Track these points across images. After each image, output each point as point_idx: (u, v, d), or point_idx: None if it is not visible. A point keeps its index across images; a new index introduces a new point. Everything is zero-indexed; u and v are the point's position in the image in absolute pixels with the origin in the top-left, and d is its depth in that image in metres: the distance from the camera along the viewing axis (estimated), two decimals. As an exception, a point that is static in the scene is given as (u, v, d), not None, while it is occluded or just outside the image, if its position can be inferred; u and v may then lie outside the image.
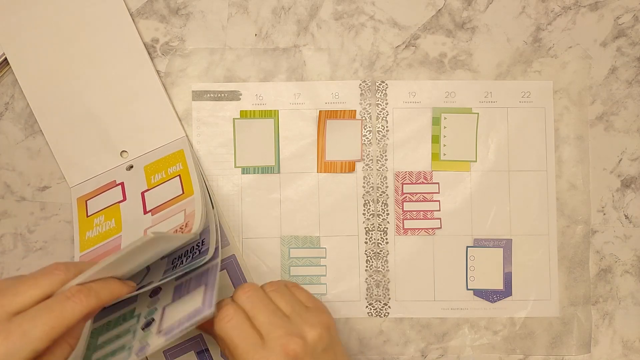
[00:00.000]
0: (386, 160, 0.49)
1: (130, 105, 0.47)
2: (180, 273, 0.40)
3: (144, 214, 0.45)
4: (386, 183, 0.49)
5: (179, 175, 0.46)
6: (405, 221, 0.49)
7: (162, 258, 0.43)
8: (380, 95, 0.49)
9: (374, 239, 0.49)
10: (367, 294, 0.48)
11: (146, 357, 0.42)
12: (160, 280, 0.39)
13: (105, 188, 0.47)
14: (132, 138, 0.47)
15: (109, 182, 0.47)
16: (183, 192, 0.45)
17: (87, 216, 0.46)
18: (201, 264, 0.40)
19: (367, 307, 0.48)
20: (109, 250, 0.44)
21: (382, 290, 0.48)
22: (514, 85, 0.49)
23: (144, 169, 0.47)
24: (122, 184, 0.46)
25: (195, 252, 0.41)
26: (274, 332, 0.35)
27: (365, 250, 0.49)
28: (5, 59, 0.47)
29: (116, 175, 0.47)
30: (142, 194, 0.46)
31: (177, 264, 0.41)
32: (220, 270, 0.48)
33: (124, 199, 0.46)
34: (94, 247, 0.45)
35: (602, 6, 0.50)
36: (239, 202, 0.48)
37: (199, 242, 0.42)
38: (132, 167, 0.47)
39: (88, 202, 0.47)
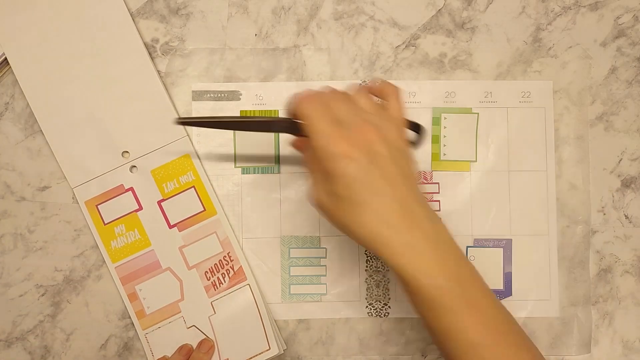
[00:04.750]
0: (386, 160, 0.49)
1: (131, 105, 0.47)
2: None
3: (169, 227, 0.47)
4: (386, 183, 0.49)
5: (194, 187, 0.47)
6: (405, 221, 0.49)
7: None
8: (380, 95, 0.49)
9: (374, 239, 0.48)
10: (367, 294, 0.48)
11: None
12: None
13: (114, 193, 0.47)
14: (133, 138, 0.47)
15: (117, 187, 0.47)
16: (204, 209, 0.47)
17: (105, 224, 0.47)
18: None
19: (367, 307, 0.48)
20: (147, 266, 0.47)
21: (382, 290, 0.48)
22: (514, 85, 0.49)
23: (151, 174, 0.47)
24: (131, 189, 0.47)
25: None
26: (354, 119, 0.34)
27: (365, 250, 0.49)
28: (5, 59, 0.47)
29: (121, 178, 0.47)
30: (159, 204, 0.47)
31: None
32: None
33: (140, 207, 0.47)
34: (126, 260, 0.47)
35: (602, 6, 0.50)
36: (239, 202, 0.48)
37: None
38: (134, 167, 0.47)
39: (99, 207, 0.47)
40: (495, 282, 0.48)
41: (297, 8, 0.49)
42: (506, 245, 0.49)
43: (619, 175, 0.49)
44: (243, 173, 0.49)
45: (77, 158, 0.47)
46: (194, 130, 0.48)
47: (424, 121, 0.49)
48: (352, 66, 0.49)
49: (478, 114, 0.49)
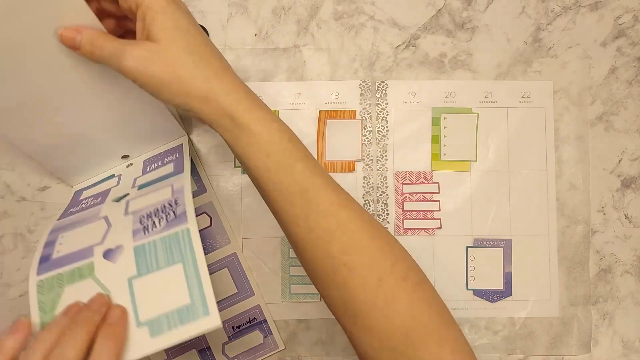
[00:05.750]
0: (386, 160, 0.49)
1: (131, 106, 0.47)
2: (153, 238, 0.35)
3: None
4: (386, 183, 0.49)
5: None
6: (405, 221, 0.49)
7: (126, 214, 0.38)
8: (380, 95, 0.49)
9: (374, 239, 0.48)
10: (367, 294, 0.48)
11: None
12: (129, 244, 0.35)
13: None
14: (133, 141, 0.46)
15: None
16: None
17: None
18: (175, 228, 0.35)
19: (367, 307, 0.48)
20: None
21: (382, 290, 0.48)
22: (514, 85, 0.49)
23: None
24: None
25: (170, 214, 0.36)
26: None
27: (365, 250, 0.49)
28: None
29: (115, 171, 0.47)
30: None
31: (147, 224, 0.36)
32: (221, 269, 0.48)
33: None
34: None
35: (602, 6, 0.50)
36: (239, 202, 0.48)
37: (171, 201, 0.37)
38: (131, 164, 0.47)
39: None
40: (495, 282, 0.48)
41: (297, 8, 0.49)
42: (506, 245, 0.49)
43: (619, 175, 0.49)
44: (243, 173, 0.49)
45: (78, 166, 0.46)
46: (193, 130, 0.48)
47: (424, 121, 0.49)
48: (352, 66, 0.49)
49: (478, 114, 0.49)
